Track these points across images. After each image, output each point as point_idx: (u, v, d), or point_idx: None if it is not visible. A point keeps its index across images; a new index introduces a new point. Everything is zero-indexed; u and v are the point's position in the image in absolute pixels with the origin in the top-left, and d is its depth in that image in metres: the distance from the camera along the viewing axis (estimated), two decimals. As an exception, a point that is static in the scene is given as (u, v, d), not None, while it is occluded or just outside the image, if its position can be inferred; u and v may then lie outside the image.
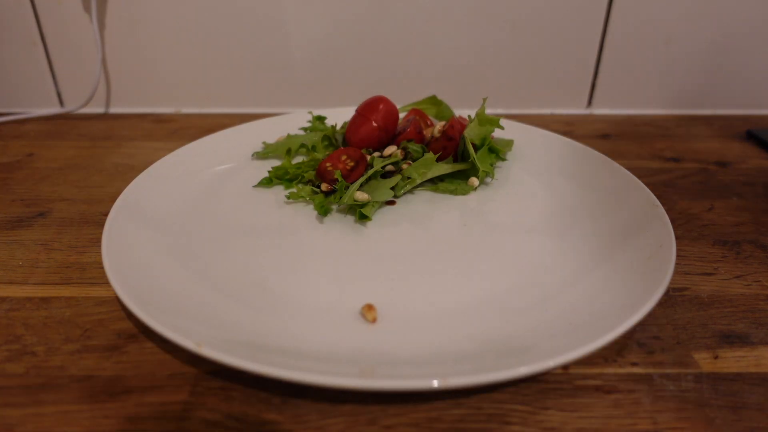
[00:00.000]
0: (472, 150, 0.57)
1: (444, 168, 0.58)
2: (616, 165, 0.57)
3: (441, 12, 0.80)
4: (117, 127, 0.81)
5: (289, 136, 0.67)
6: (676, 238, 0.45)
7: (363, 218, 0.51)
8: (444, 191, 0.58)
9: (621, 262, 0.43)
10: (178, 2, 0.80)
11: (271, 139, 0.68)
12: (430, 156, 0.57)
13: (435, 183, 0.59)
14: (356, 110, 0.64)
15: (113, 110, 0.88)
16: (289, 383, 0.34)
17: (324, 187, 0.55)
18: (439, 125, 0.65)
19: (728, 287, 0.45)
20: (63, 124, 0.82)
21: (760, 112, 0.87)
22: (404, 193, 0.57)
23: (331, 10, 0.80)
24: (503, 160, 0.64)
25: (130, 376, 0.36)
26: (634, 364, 0.36)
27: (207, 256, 0.46)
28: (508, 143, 0.66)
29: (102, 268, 0.41)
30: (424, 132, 0.64)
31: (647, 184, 0.53)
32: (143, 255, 0.44)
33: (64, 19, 0.80)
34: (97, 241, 0.50)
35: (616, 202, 0.52)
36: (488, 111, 0.61)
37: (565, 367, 0.36)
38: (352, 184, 0.54)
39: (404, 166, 0.58)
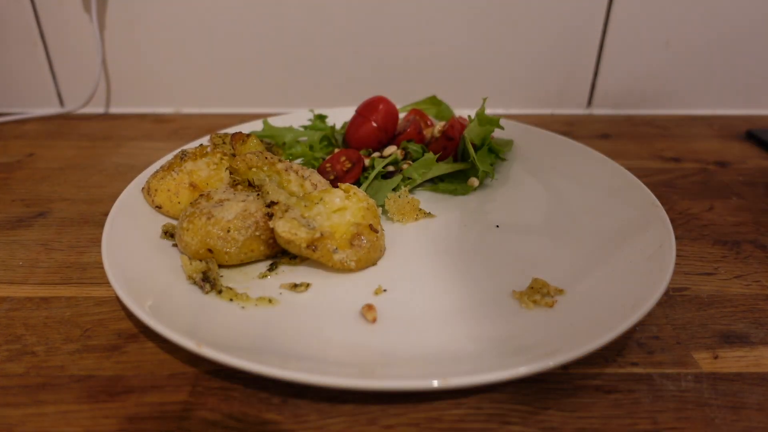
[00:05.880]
0: (472, 150, 0.57)
1: (444, 168, 0.58)
2: (616, 165, 0.57)
3: (441, 12, 0.80)
4: (117, 127, 0.81)
5: (290, 128, 0.67)
6: (676, 238, 0.45)
7: None
8: (444, 191, 0.58)
9: (621, 262, 0.43)
10: (178, 2, 0.80)
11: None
12: (430, 156, 0.57)
13: (435, 183, 0.59)
14: (356, 110, 0.64)
15: (113, 110, 0.88)
16: (289, 383, 0.34)
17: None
18: (439, 125, 0.65)
19: (728, 287, 0.45)
20: (63, 124, 0.82)
21: (760, 112, 0.87)
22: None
23: (331, 10, 0.80)
24: (503, 160, 0.64)
25: (130, 376, 0.36)
26: (634, 364, 0.36)
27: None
28: (508, 143, 0.66)
29: (102, 268, 0.41)
30: (424, 132, 0.64)
31: (647, 184, 0.53)
32: (143, 255, 0.44)
33: (64, 19, 0.80)
34: (97, 241, 0.51)
35: (616, 202, 0.52)
36: (488, 111, 0.61)
37: (565, 367, 0.36)
38: None
39: (404, 166, 0.58)
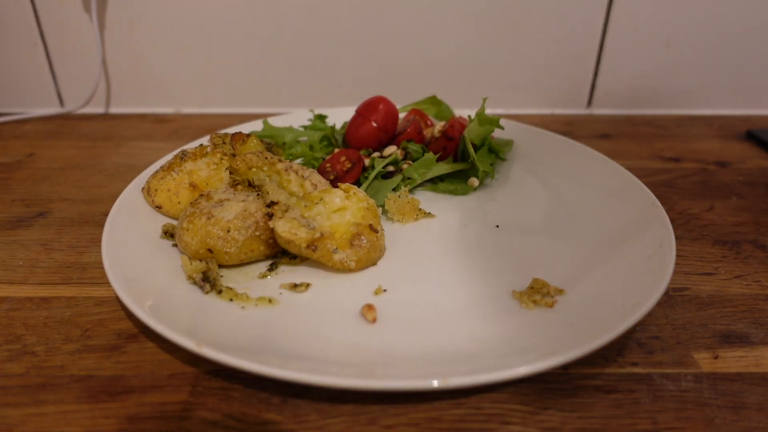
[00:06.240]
0: (472, 150, 0.57)
1: (444, 168, 0.58)
2: (616, 165, 0.57)
3: (441, 12, 0.80)
4: (117, 127, 0.81)
5: (290, 128, 0.67)
6: (676, 238, 0.45)
7: None
8: (444, 191, 0.58)
9: (621, 262, 0.43)
10: (178, 3, 0.80)
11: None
12: (430, 156, 0.57)
13: (435, 183, 0.59)
14: (356, 110, 0.64)
15: (113, 110, 0.88)
16: (289, 383, 0.34)
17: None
18: (439, 125, 0.65)
19: (728, 287, 0.45)
20: (63, 124, 0.82)
21: (760, 112, 0.87)
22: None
23: (331, 10, 0.80)
24: (503, 160, 0.64)
25: (130, 376, 0.36)
26: (634, 364, 0.36)
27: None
28: (508, 143, 0.66)
29: (102, 268, 0.41)
30: (424, 132, 0.64)
31: (647, 184, 0.53)
32: (143, 255, 0.44)
33: (64, 19, 0.80)
34: (97, 241, 0.51)
35: (616, 202, 0.52)
36: (488, 111, 0.61)
37: (565, 367, 0.36)
38: None
39: (404, 166, 0.58)
